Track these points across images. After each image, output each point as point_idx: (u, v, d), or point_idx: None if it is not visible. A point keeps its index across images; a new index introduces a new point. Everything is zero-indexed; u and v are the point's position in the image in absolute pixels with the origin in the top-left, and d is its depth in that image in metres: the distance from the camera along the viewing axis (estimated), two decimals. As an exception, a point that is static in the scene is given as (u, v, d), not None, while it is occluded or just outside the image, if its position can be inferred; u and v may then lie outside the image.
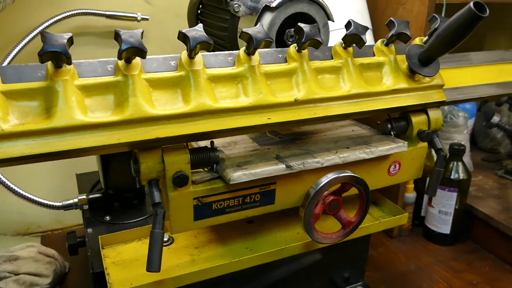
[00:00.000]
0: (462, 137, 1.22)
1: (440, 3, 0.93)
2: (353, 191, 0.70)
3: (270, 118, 0.61)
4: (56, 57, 0.49)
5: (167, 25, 1.07)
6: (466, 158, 1.16)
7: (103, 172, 0.77)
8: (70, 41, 0.50)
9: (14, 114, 0.50)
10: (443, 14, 0.93)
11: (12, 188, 0.81)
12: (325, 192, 0.66)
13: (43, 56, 0.48)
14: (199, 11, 0.89)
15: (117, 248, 0.71)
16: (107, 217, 0.79)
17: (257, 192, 0.66)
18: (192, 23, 0.91)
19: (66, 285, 0.92)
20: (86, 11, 0.93)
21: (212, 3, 0.83)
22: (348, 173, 0.65)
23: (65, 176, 1.10)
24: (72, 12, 0.92)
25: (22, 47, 0.86)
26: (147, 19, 1.00)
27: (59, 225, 1.13)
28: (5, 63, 0.89)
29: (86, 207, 0.81)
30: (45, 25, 0.88)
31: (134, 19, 0.99)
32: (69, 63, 0.50)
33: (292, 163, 0.64)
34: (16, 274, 0.82)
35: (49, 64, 0.52)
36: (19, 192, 0.82)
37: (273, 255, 0.70)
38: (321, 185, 0.63)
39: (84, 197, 0.80)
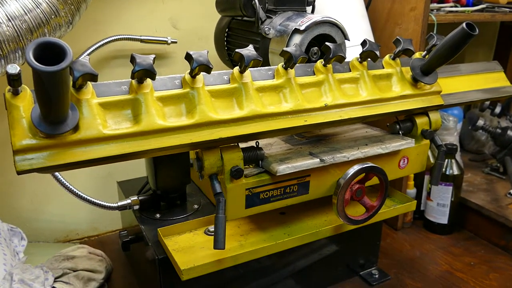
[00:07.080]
0: (453, 138, 1.37)
1: (431, 23, 1.09)
2: (373, 181, 0.83)
3: (306, 121, 0.74)
4: (146, 74, 0.61)
5: (191, 47, 1.20)
6: (457, 157, 1.30)
7: (154, 175, 0.88)
8: (154, 61, 0.62)
9: (110, 121, 0.62)
10: (435, 32, 1.08)
11: (72, 190, 0.91)
12: (352, 181, 0.78)
13: (136, 73, 0.60)
14: (226, 34, 1.02)
15: (173, 239, 0.82)
16: (158, 215, 0.90)
17: (295, 184, 0.78)
18: (220, 45, 1.04)
19: (113, 282, 1.02)
20: (125, 36, 1.05)
21: (241, 27, 0.96)
22: (371, 164, 0.78)
23: (98, 184, 1.21)
24: (113, 38, 1.04)
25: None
26: (175, 42, 1.13)
27: (95, 232, 1.23)
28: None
29: (136, 207, 0.92)
30: (92, 48, 1.00)
31: (165, 42, 1.11)
32: (154, 78, 0.62)
33: (324, 158, 0.77)
34: (75, 271, 0.91)
35: (132, 80, 0.64)
36: (80, 195, 0.92)
37: (309, 237, 0.82)
38: (349, 174, 0.76)
39: (136, 198, 0.91)
